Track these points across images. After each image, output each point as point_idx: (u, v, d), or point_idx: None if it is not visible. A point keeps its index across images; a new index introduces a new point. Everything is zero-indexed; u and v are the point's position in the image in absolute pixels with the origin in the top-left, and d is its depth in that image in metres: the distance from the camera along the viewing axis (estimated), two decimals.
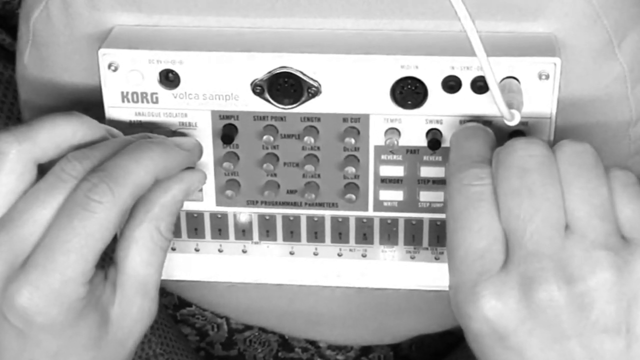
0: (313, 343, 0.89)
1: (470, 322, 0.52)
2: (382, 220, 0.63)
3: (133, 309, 0.57)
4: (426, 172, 0.61)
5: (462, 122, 0.59)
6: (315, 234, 0.64)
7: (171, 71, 0.59)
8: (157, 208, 0.57)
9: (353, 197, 0.62)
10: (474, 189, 0.53)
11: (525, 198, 0.51)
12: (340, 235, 0.64)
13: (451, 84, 0.58)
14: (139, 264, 0.57)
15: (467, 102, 0.59)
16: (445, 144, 0.60)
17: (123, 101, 0.60)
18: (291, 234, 0.64)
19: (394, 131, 0.60)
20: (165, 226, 0.57)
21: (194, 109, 0.60)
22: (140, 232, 0.57)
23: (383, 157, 0.61)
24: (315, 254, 0.65)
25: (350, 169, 0.61)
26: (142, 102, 0.60)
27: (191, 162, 0.59)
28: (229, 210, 0.63)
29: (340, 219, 0.63)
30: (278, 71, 0.59)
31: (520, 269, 0.51)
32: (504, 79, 0.58)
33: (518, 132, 0.59)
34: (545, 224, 0.51)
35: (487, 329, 0.52)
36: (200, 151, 0.60)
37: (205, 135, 0.61)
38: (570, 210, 0.52)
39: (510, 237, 0.52)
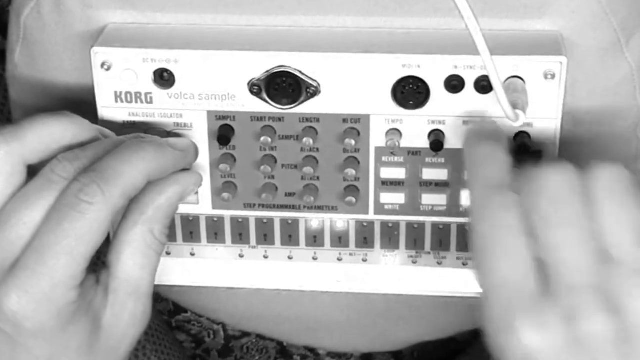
0: (312, 350, 0.89)
1: (508, 354, 0.51)
2: (383, 224, 0.63)
3: (125, 314, 0.57)
4: (428, 174, 0.61)
5: (465, 122, 0.59)
6: (315, 238, 0.64)
7: (166, 70, 0.59)
8: (150, 210, 0.57)
9: (353, 200, 0.61)
10: (501, 218, 0.52)
11: (562, 228, 0.50)
12: (340, 239, 0.64)
13: (454, 84, 0.58)
14: (132, 268, 0.57)
15: (470, 103, 0.59)
16: (448, 145, 0.60)
17: (116, 101, 0.60)
18: (289, 238, 0.64)
19: (395, 132, 0.60)
20: (160, 229, 0.57)
21: (189, 109, 0.60)
22: (133, 234, 0.56)
23: (384, 158, 0.61)
24: (315, 259, 0.64)
25: (350, 171, 0.61)
26: (136, 102, 0.60)
27: (186, 163, 0.59)
28: (226, 213, 0.63)
29: (340, 223, 0.63)
30: (276, 70, 0.59)
31: (562, 302, 0.50)
32: (508, 78, 0.58)
33: (523, 133, 0.59)
34: (584, 254, 0.50)
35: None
36: (195, 152, 0.60)
37: (201, 136, 0.61)
38: (609, 238, 0.51)
39: (548, 268, 0.51)
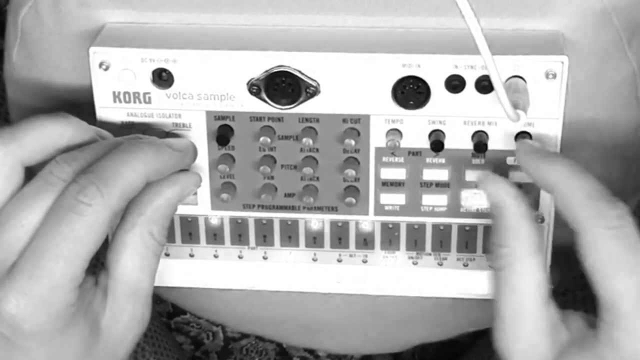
0: (312, 352, 0.89)
1: None
2: (383, 225, 0.63)
3: (124, 316, 0.57)
4: (429, 174, 0.61)
5: (466, 122, 0.59)
6: (314, 239, 0.64)
7: (164, 70, 0.59)
8: (149, 211, 0.56)
9: (353, 200, 0.61)
10: (623, 232, 0.52)
11: None
12: (340, 240, 0.64)
13: (455, 84, 0.58)
14: (131, 269, 0.57)
15: (471, 102, 0.58)
16: (449, 145, 0.60)
17: (115, 101, 0.60)
18: (289, 239, 0.64)
19: (395, 132, 0.60)
20: (158, 230, 0.57)
21: (188, 109, 0.60)
22: (132, 236, 0.56)
23: (384, 159, 0.61)
24: (314, 260, 0.64)
25: (350, 172, 0.60)
26: (135, 102, 0.60)
27: (185, 164, 0.59)
28: (225, 214, 0.63)
29: (340, 224, 0.63)
30: (275, 70, 0.58)
31: None
32: (509, 78, 0.58)
33: (524, 133, 0.59)
34: None
35: None
36: (194, 153, 0.60)
37: (199, 136, 0.61)
38: None
39: None
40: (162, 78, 0.59)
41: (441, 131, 0.59)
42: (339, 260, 0.64)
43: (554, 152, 0.58)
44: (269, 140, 0.60)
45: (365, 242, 0.63)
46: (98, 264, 0.57)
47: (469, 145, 0.60)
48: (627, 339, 0.52)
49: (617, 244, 0.52)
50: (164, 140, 0.58)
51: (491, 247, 0.56)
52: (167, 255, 0.65)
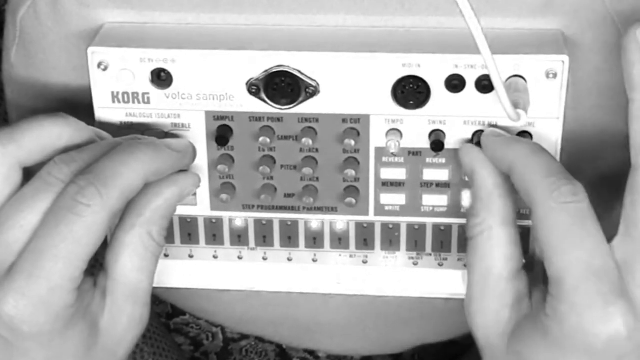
0: (312, 353, 0.89)
1: (597, 341, 0.52)
2: (384, 225, 0.63)
3: (123, 317, 0.57)
4: (429, 174, 0.61)
5: (466, 122, 0.59)
6: (314, 240, 0.64)
7: (163, 70, 0.59)
8: (148, 212, 0.56)
9: (353, 201, 0.61)
10: (574, 206, 0.53)
11: None
12: (340, 241, 0.64)
13: (455, 83, 0.58)
14: (130, 270, 0.57)
15: (471, 102, 0.58)
16: (449, 145, 0.59)
17: (113, 102, 0.60)
18: (289, 240, 0.64)
19: (395, 132, 0.60)
20: (158, 231, 0.57)
21: (187, 109, 0.60)
22: (131, 237, 0.56)
23: (384, 159, 0.61)
24: (314, 261, 0.64)
25: (350, 172, 0.60)
26: (133, 102, 0.60)
27: (183, 164, 0.59)
28: (224, 215, 0.63)
29: (340, 224, 0.63)
30: (275, 70, 0.58)
31: None
32: (509, 77, 0.57)
33: (524, 133, 0.59)
34: None
35: (612, 349, 0.52)
36: (193, 153, 0.60)
37: (199, 136, 0.61)
38: None
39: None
40: (161, 78, 0.59)
41: (441, 131, 0.59)
42: (339, 261, 0.64)
43: (517, 137, 0.59)
44: (268, 140, 0.60)
45: (365, 242, 0.63)
46: (97, 265, 0.57)
47: None
48: (571, 313, 0.53)
49: (567, 218, 0.53)
50: (163, 140, 0.58)
51: (467, 214, 0.58)
52: (166, 256, 0.65)
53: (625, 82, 0.53)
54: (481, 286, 0.57)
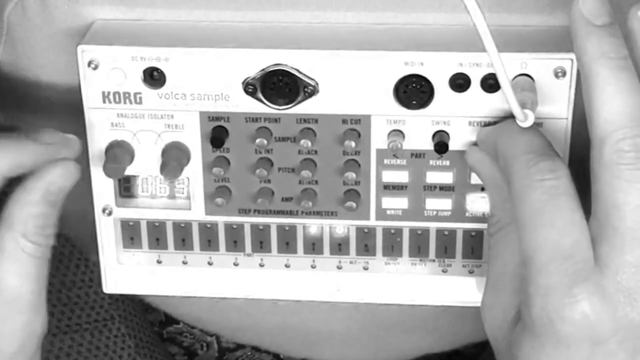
0: None
1: (564, 325, 0.51)
2: (385, 230, 0.63)
3: (7, 327, 0.55)
4: (432, 177, 0.61)
5: (471, 123, 0.59)
6: (313, 245, 0.64)
7: (156, 69, 0.59)
8: (15, 211, 0.55)
9: (353, 205, 0.61)
10: (549, 183, 0.52)
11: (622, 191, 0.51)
12: (339, 247, 0.63)
13: (459, 82, 0.58)
14: (9, 277, 0.55)
15: (476, 102, 0.58)
16: (453, 147, 0.59)
17: (104, 102, 0.60)
18: (287, 245, 0.64)
19: (397, 133, 0.59)
20: (32, 231, 0.55)
21: (180, 110, 0.60)
22: (4, 241, 0.55)
23: (386, 161, 0.61)
24: (313, 267, 0.64)
25: (350, 175, 0.60)
26: (125, 102, 0.60)
27: (60, 155, 0.57)
28: (219, 219, 0.63)
29: (339, 229, 0.63)
30: (272, 69, 0.58)
31: (621, 277, 0.51)
32: (516, 76, 0.57)
33: None
34: None
35: (582, 334, 0.51)
36: (74, 143, 0.58)
37: (193, 138, 0.61)
38: None
39: (603, 233, 0.52)
40: (154, 77, 0.59)
41: (445, 132, 0.59)
42: (339, 268, 0.64)
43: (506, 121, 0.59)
44: (265, 142, 0.60)
45: (366, 248, 0.63)
46: None
47: None
48: (536, 296, 0.52)
49: (540, 195, 0.52)
50: (28, 133, 0.56)
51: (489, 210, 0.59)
52: (159, 262, 0.64)
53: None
54: (495, 282, 0.57)
